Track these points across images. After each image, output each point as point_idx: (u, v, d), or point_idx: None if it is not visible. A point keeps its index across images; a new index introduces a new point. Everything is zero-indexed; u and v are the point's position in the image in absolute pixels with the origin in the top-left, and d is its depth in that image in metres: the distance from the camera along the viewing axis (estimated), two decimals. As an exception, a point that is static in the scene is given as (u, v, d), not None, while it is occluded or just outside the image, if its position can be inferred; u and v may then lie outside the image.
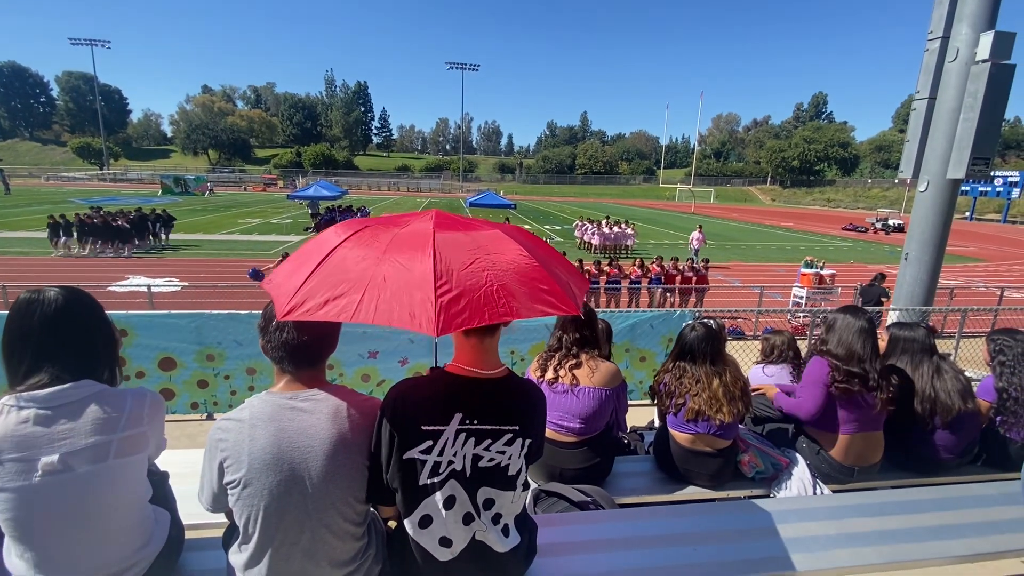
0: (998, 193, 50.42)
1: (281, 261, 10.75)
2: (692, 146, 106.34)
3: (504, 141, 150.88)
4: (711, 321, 3.61)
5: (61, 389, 1.34)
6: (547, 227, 32.67)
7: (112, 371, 1.51)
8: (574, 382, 2.50)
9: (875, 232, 36.97)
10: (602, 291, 11.16)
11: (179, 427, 5.08)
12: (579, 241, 23.47)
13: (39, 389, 1.33)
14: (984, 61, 6.65)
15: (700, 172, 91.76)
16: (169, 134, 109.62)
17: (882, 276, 12.83)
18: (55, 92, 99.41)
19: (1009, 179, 49.34)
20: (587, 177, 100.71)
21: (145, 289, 9.55)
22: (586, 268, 11.41)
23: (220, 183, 66.72)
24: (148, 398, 1.48)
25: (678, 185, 76.97)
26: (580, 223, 23.96)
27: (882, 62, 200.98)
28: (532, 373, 2.63)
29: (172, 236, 20.45)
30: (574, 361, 2.54)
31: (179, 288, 12.86)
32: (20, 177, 65.94)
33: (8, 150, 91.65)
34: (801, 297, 11.97)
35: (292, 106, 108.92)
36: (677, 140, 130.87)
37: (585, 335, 2.56)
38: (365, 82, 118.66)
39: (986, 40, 6.63)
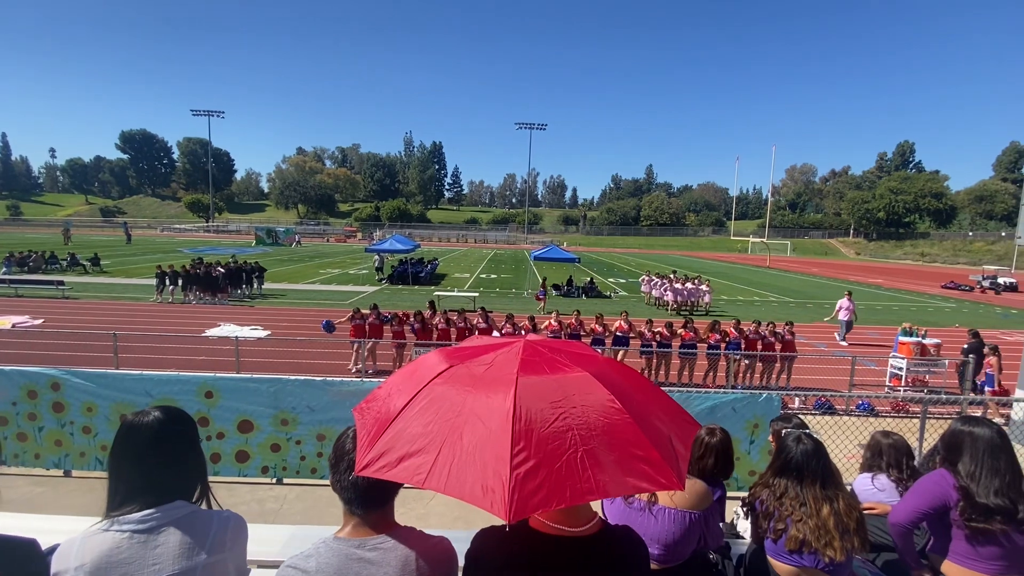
0: None
1: (354, 315, 11.38)
2: (765, 197, 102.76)
3: (568, 194, 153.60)
4: (793, 420, 3.25)
5: (153, 512, 1.37)
6: (611, 279, 32.21)
7: (204, 488, 1.54)
8: (652, 499, 2.25)
9: (983, 291, 33.16)
10: (675, 355, 10.60)
11: (250, 491, 5.21)
12: (647, 296, 22.86)
13: (134, 512, 1.36)
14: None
15: (774, 224, 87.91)
16: (266, 190, 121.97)
17: (976, 332, 11.32)
18: (176, 155, 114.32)
19: None
20: (652, 229, 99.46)
21: (234, 337, 10.36)
22: (657, 330, 10.94)
23: (306, 235, 72.36)
24: (231, 523, 1.49)
25: (750, 237, 73.88)
26: (648, 277, 23.42)
27: (977, 106, 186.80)
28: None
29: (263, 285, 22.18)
30: None
31: (263, 336, 13.73)
32: (140, 228, 75.11)
33: (132, 204, 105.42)
34: (900, 369, 10.76)
35: (374, 164, 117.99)
36: (748, 191, 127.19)
37: None
38: (440, 142, 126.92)
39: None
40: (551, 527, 1.30)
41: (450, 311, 12.12)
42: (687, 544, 2.25)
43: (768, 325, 11.30)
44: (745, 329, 11.02)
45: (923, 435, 5.84)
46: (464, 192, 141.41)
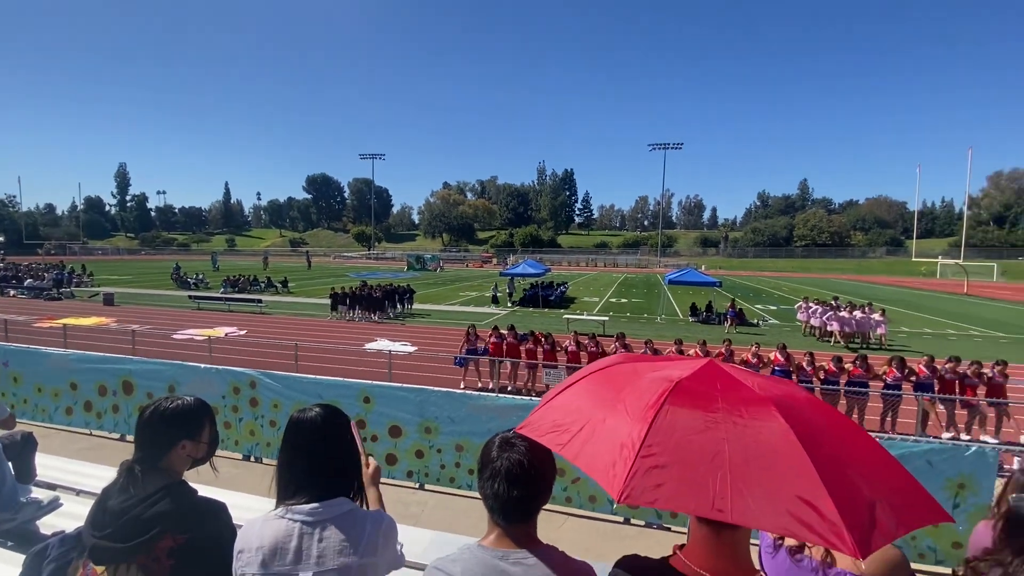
0: None
1: (492, 334, 11.89)
2: (959, 210, 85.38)
3: (707, 215, 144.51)
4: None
5: (318, 507, 1.50)
6: (758, 306, 29.23)
7: (359, 486, 1.66)
8: (827, 560, 1.90)
9: None
10: (842, 394, 9.17)
11: (396, 493, 5.63)
12: (804, 326, 20.30)
13: (304, 504, 1.50)
14: None
15: (973, 242, 72.31)
16: (416, 221, 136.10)
17: None
18: (347, 193, 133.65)
19: None
20: (808, 249, 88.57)
21: (387, 351, 11.53)
22: (820, 364, 9.60)
23: (449, 260, 78.59)
24: (384, 525, 1.57)
25: (940, 259, 61.58)
26: (804, 304, 20.79)
27: None
28: (769, 534, 2.12)
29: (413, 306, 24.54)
30: None
31: (411, 351, 15.04)
32: (318, 256, 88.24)
33: (313, 236, 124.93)
34: None
35: (509, 194, 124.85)
36: (934, 204, 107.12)
37: None
38: (571, 169, 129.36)
39: None
40: (692, 569, 1.17)
41: (580, 334, 12.02)
42: (871, 620, 1.86)
43: (971, 364, 9.23)
44: (941, 367, 9.14)
45: None
46: (594, 216, 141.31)
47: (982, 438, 8.64)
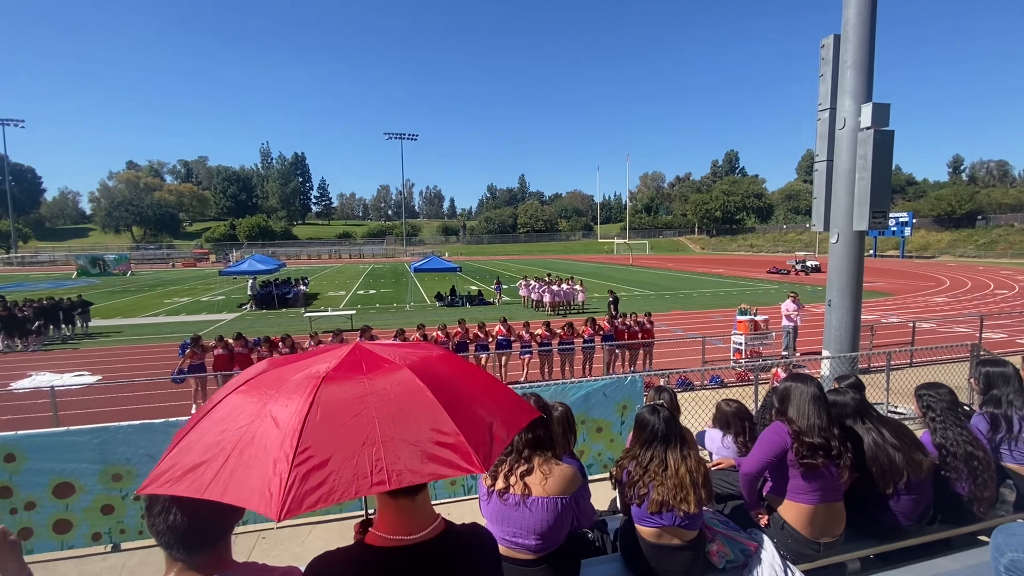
0: (893, 232, 57.03)
1: (216, 344, 10.07)
2: (624, 203, 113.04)
3: (447, 204, 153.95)
4: (665, 393, 3.58)
5: None
6: (493, 286, 32.87)
7: None
8: (526, 492, 2.28)
9: (796, 273, 39.90)
10: (555, 352, 11.08)
11: (76, 565, 4.29)
12: (524, 299, 23.70)
13: None
14: (867, 128, 7.55)
15: (634, 226, 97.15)
16: (88, 212, 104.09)
17: (611, 290, 15.12)
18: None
19: (900, 219, 56.43)
20: (529, 235, 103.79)
21: (48, 387, 8.55)
22: (537, 332, 11.35)
23: (145, 261, 63.29)
24: None
25: (615, 239, 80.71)
26: (524, 281, 24.31)
27: (782, 119, 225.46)
28: (483, 481, 2.42)
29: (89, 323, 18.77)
30: (525, 467, 2.32)
31: (91, 383, 11.56)
32: (-94, 266, 59.39)
33: None
34: (740, 343, 12.42)
35: (225, 179, 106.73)
36: (610, 197, 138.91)
37: (538, 435, 2.35)
38: (302, 153, 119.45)
39: (866, 111, 7.55)
40: (388, 539, 1.24)
41: (324, 332, 11.34)
42: (561, 529, 2.32)
43: (632, 316, 12.40)
44: (616, 323, 11.96)
45: (757, 396, 6.81)
46: (334, 205, 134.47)
47: (646, 368, 11.78)
